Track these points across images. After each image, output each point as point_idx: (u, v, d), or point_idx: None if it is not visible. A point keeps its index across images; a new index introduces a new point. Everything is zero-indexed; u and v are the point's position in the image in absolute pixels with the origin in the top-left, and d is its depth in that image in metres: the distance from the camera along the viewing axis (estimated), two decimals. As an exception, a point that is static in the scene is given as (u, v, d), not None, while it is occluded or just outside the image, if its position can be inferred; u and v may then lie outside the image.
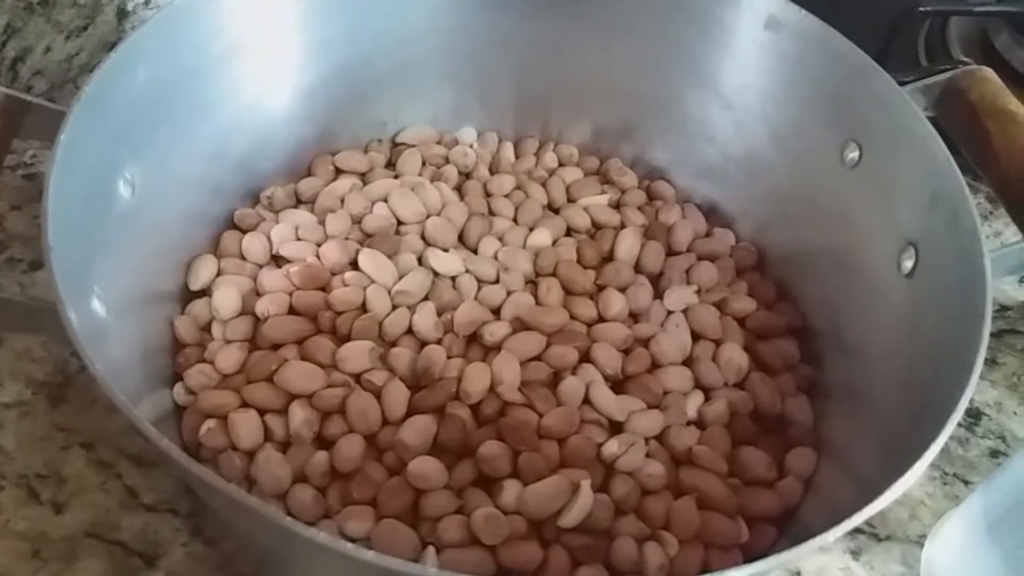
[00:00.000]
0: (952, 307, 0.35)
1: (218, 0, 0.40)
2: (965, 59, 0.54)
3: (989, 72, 0.39)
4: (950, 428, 0.28)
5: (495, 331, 0.41)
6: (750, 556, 0.37)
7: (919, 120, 0.38)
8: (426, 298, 0.43)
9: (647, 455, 0.39)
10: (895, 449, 0.33)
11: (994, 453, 0.46)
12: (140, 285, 0.39)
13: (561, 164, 0.52)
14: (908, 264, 0.38)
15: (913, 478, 0.27)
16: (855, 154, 0.41)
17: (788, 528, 0.38)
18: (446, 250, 0.45)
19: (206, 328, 0.41)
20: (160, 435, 0.25)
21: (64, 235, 0.31)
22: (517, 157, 0.52)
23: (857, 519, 0.27)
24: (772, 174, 0.47)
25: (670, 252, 0.47)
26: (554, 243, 0.47)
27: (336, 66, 0.46)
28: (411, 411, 0.39)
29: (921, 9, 0.56)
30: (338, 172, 0.49)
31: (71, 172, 0.32)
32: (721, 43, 0.45)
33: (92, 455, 0.40)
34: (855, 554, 0.42)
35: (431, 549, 0.35)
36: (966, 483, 0.45)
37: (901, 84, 0.40)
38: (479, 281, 0.44)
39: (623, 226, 0.48)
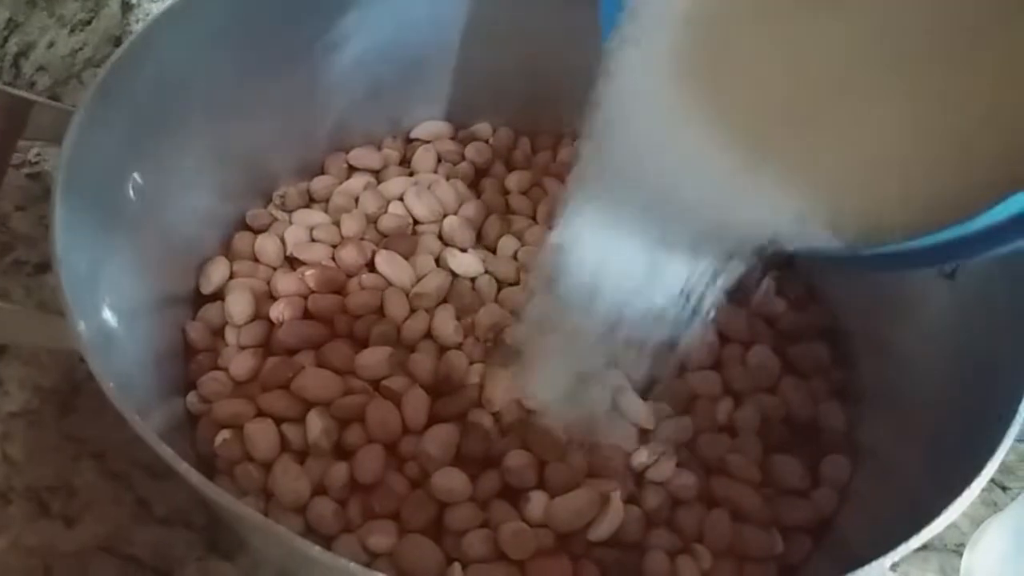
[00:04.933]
0: (999, 311, 0.33)
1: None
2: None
3: None
4: (1008, 443, 0.27)
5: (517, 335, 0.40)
6: (785, 567, 0.36)
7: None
8: (445, 300, 0.42)
9: (678, 464, 0.37)
10: (941, 459, 0.32)
11: (1032, 457, 0.45)
12: (150, 290, 0.37)
13: (579, 159, 0.50)
14: (948, 265, 0.37)
15: (971, 497, 0.26)
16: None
17: (823, 538, 0.37)
18: (464, 250, 0.44)
19: (219, 333, 0.40)
20: (187, 467, 0.24)
21: (73, 243, 0.30)
22: (533, 152, 0.50)
23: (913, 543, 0.25)
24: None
25: (695, 250, 0.46)
26: (575, 241, 0.45)
27: (349, 61, 0.45)
28: (432, 419, 0.37)
29: None
30: (351, 170, 0.47)
31: (78, 177, 0.31)
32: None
33: (103, 466, 0.39)
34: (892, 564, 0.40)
35: (456, 565, 0.33)
36: (1004, 489, 0.43)
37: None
38: (499, 282, 0.43)
39: (645, 223, 0.46)
